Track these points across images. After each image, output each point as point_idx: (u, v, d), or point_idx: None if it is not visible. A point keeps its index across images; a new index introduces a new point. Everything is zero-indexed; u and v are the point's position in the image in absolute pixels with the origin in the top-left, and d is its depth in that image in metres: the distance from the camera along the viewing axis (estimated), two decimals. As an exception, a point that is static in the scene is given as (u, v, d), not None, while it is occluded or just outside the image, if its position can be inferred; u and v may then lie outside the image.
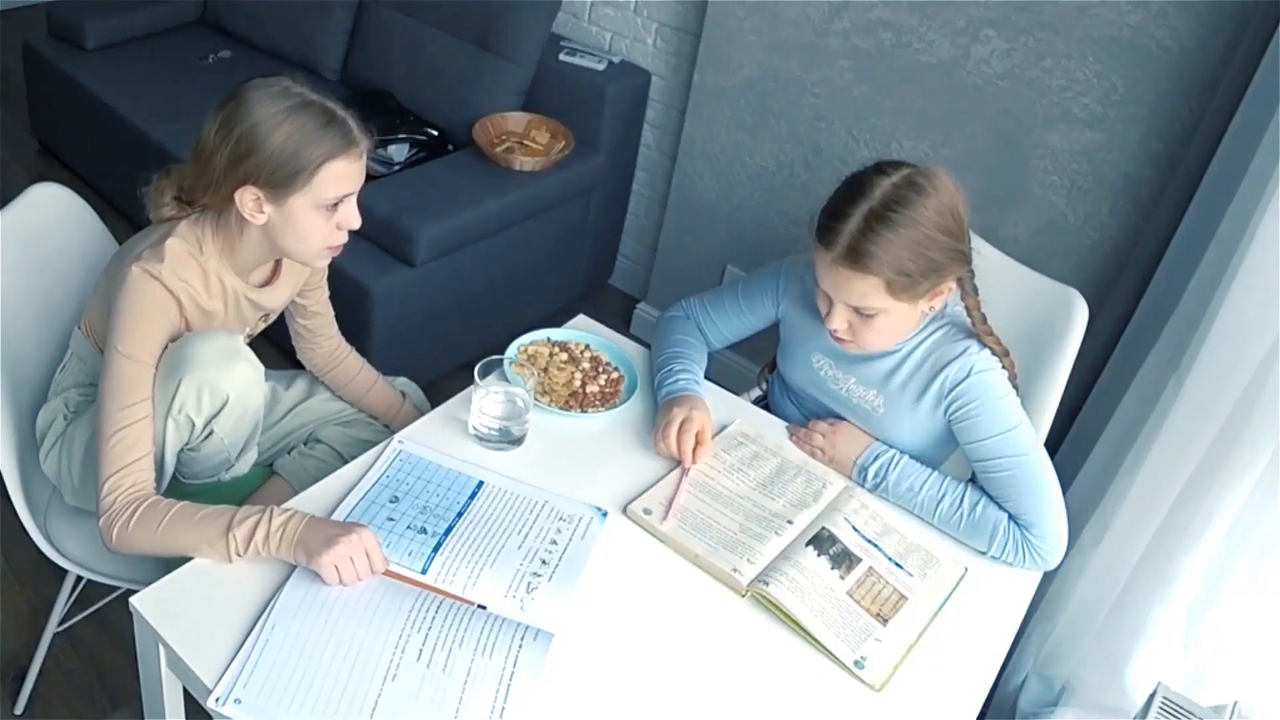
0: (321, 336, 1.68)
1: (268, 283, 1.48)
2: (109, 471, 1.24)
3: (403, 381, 1.80)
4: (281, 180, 1.28)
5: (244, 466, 1.51)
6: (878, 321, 1.34)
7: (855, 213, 1.27)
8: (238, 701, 1.02)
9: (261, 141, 1.26)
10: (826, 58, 2.23)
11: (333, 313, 1.68)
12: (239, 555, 1.15)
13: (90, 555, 1.47)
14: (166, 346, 1.33)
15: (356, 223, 1.36)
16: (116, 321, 1.29)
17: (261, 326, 1.55)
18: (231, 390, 1.33)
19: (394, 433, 1.70)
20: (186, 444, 1.38)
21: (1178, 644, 1.68)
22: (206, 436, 1.38)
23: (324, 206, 1.32)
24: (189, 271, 1.33)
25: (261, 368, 1.39)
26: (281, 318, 1.64)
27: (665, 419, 1.42)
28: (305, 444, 1.68)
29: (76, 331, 1.50)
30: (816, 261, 1.33)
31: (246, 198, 1.29)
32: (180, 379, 1.30)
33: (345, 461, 1.61)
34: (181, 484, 1.48)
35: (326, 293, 1.65)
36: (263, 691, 1.03)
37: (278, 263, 1.48)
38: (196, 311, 1.37)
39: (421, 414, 1.73)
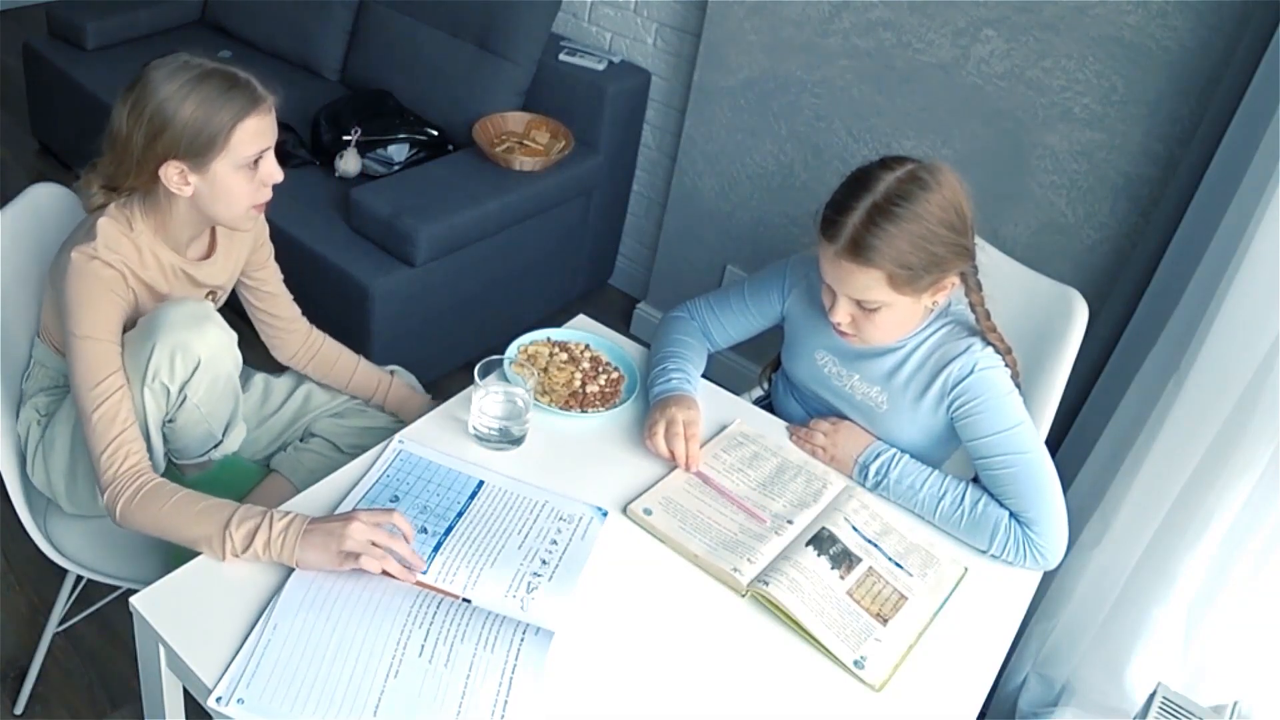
0: (284, 321, 1.68)
1: (205, 257, 1.50)
2: (100, 447, 1.26)
3: (391, 368, 1.79)
4: (200, 148, 1.32)
5: (234, 443, 1.52)
6: (880, 315, 1.34)
7: (859, 206, 1.28)
8: (241, 701, 1.02)
9: (173, 115, 1.30)
10: (826, 58, 2.23)
11: (290, 296, 1.69)
12: (236, 556, 1.16)
13: (90, 555, 1.47)
14: (124, 325, 1.35)
15: (279, 176, 1.40)
16: (69, 309, 1.32)
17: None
18: (203, 352, 1.35)
19: (389, 414, 1.71)
20: (165, 415, 1.40)
21: (1178, 644, 1.68)
22: (181, 404, 1.39)
23: (245, 166, 1.36)
24: (123, 247, 1.36)
25: (234, 334, 1.41)
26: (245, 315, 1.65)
27: (654, 419, 1.42)
28: (301, 439, 1.68)
29: (36, 339, 1.52)
30: (820, 254, 1.34)
31: (170, 172, 1.33)
32: (153, 345, 1.33)
33: (341, 452, 1.62)
34: (181, 478, 1.48)
35: (279, 274, 1.66)
36: (266, 690, 1.03)
37: (213, 237, 1.51)
38: (140, 285, 1.39)
39: (414, 391, 1.74)
